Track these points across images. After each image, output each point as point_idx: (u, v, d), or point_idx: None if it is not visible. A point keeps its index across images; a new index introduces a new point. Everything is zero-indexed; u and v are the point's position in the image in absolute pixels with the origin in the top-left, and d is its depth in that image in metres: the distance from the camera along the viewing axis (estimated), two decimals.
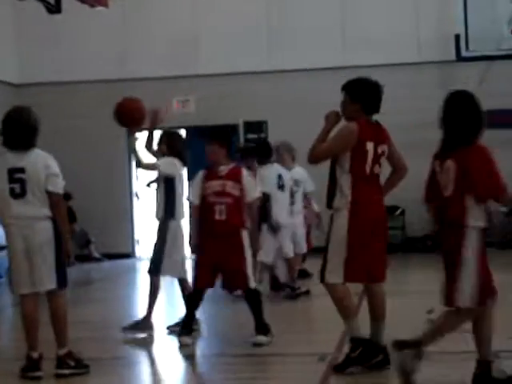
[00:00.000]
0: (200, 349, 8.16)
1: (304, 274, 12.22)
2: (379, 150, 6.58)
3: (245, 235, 7.91)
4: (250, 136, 18.44)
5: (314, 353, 7.25)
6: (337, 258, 6.47)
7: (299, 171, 11.75)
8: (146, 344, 8.37)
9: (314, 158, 6.63)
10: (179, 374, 7.05)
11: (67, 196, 14.96)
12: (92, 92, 18.62)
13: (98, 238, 18.11)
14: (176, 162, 8.61)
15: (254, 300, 7.92)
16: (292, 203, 11.22)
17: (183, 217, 8.62)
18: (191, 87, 18.51)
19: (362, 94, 6.65)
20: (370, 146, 6.50)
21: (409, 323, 8.75)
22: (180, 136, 9.02)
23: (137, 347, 8.26)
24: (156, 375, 7.30)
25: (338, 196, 6.56)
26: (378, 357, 6.51)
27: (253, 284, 7.90)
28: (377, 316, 6.67)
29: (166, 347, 8.25)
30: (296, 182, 11.54)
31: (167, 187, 8.50)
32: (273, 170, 11.00)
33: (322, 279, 6.59)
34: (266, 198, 10.30)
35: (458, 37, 16.87)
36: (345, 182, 6.52)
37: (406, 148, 15.60)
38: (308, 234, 12.35)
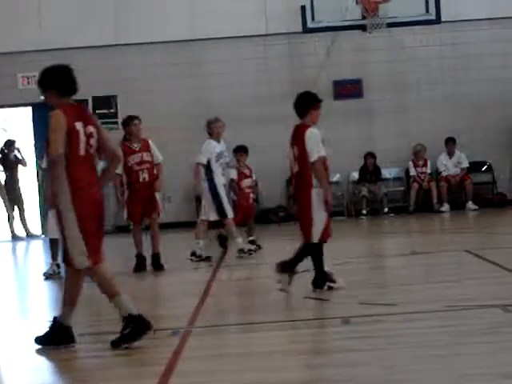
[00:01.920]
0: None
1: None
2: (87, 131, 6.63)
3: None
4: (100, 111, 18.11)
5: (168, 328, 7.21)
6: (79, 242, 6.49)
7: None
8: None
9: (52, 158, 6.51)
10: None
11: None
12: None
13: None
14: None
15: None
16: None
17: None
18: (37, 62, 17.95)
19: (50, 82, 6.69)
20: (79, 126, 6.57)
21: (262, 291, 8.91)
22: None
23: None
24: None
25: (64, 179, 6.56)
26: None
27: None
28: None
29: None
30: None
31: None
32: None
33: (68, 263, 6.62)
34: None
35: (303, 8, 17.01)
36: (66, 165, 6.51)
37: (256, 120, 15.92)
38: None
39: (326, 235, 8.40)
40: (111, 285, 6.61)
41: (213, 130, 11.90)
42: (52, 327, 6.75)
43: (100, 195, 6.73)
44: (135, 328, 6.48)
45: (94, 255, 6.55)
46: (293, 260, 8.42)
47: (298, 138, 8.43)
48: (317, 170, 8.28)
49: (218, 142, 11.92)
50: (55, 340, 6.66)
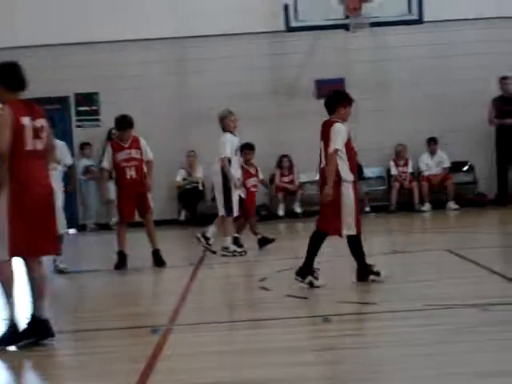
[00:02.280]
0: None
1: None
2: (36, 125, 6.70)
3: None
4: (81, 108, 18.07)
5: (148, 325, 7.18)
6: (3, 236, 6.52)
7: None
8: None
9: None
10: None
11: None
12: None
13: None
14: None
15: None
16: None
17: None
18: (15, 59, 17.79)
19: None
20: (26, 120, 6.64)
21: (244, 289, 8.90)
22: None
23: None
24: None
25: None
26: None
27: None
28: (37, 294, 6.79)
29: None
30: None
31: None
32: None
33: None
34: None
35: (286, 7, 16.98)
36: (9, 159, 6.54)
37: (239, 118, 15.78)
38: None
39: (358, 226, 8.55)
40: (12, 285, 6.64)
41: (228, 123, 11.75)
42: (29, 323, 6.70)
43: (46, 190, 6.74)
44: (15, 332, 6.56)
45: (14, 250, 6.55)
46: (358, 262, 8.60)
47: (324, 133, 8.55)
48: (329, 161, 8.39)
49: (235, 135, 11.84)
50: (32, 334, 6.62)
